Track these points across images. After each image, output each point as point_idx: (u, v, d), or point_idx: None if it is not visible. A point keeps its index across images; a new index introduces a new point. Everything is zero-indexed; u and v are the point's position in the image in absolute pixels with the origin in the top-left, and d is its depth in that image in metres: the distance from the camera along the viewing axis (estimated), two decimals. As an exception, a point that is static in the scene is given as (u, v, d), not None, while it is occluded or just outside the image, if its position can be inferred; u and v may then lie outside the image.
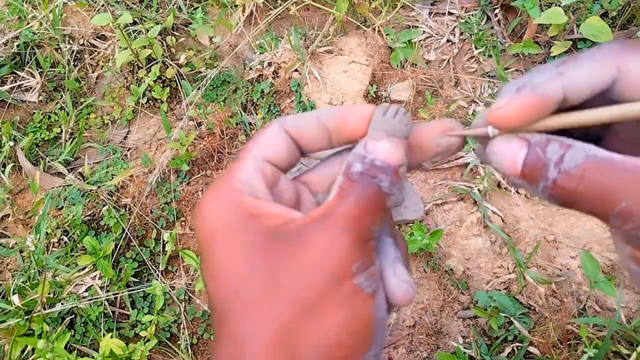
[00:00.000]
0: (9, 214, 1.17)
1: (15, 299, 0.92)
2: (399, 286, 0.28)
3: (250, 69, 1.30)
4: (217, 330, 0.27)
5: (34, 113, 1.33)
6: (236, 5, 1.38)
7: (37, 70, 1.36)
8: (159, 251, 1.08)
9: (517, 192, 1.07)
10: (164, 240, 1.07)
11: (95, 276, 1.04)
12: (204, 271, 0.28)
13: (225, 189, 0.28)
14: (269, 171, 0.29)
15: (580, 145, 0.25)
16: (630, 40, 0.35)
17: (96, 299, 1.00)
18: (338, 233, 0.26)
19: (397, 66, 1.28)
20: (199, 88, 1.25)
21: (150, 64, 1.29)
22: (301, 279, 0.26)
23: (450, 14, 1.38)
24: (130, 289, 1.03)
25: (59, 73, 1.36)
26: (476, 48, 1.30)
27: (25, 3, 1.44)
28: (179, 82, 1.30)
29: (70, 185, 1.16)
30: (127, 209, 1.11)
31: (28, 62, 1.37)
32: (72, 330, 1.00)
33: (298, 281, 0.26)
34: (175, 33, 1.40)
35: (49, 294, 0.97)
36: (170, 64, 1.29)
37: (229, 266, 0.27)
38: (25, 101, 1.35)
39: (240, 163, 0.29)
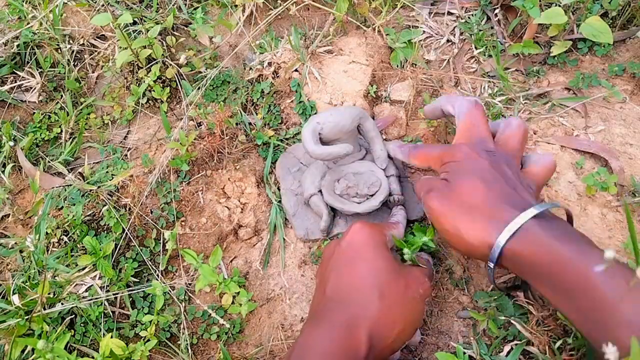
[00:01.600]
0: (9, 214, 1.17)
1: (15, 299, 0.92)
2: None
3: (250, 69, 1.30)
4: (339, 281, 0.67)
5: (34, 113, 1.33)
6: (236, 5, 1.38)
7: (37, 70, 1.36)
8: (159, 251, 1.08)
9: (517, 192, 1.07)
10: (164, 239, 1.07)
11: (95, 276, 1.04)
12: (360, 257, 0.69)
13: (381, 235, 0.71)
14: (390, 240, 0.73)
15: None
16: None
17: (96, 299, 1.00)
18: (423, 279, 0.70)
19: (397, 66, 1.28)
20: (199, 88, 1.25)
21: (150, 64, 1.29)
22: (407, 291, 0.63)
23: (450, 14, 1.38)
24: (130, 289, 1.03)
25: (59, 73, 1.36)
26: (476, 48, 1.30)
27: (25, 3, 1.44)
28: (179, 82, 1.30)
29: (70, 185, 1.16)
30: (127, 209, 1.11)
31: (28, 62, 1.37)
32: (72, 330, 1.00)
33: (405, 292, 0.64)
34: (175, 33, 1.40)
35: (49, 294, 0.97)
36: (170, 64, 1.29)
37: (378, 264, 0.66)
38: (25, 101, 1.35)
39: (387, 229, 0.77)
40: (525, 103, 1.18)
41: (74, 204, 1.13)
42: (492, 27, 1.33)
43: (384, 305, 0.59)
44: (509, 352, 0.90)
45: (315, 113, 1.19)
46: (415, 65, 1.26)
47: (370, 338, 0.56)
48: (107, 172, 1.19)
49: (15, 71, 1.37)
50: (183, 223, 1.10)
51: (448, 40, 1.34)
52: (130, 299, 1.04)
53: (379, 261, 0.62)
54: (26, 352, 0.95)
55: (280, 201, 1.11)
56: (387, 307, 0.59)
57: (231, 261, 1.07)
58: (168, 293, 1.03)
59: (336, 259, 0.68)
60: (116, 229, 1.07)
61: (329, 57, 1.27)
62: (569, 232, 0.62)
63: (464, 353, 0.89)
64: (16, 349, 0.90)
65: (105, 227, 1.11)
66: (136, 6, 1.43)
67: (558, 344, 0.85)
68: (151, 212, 1.11)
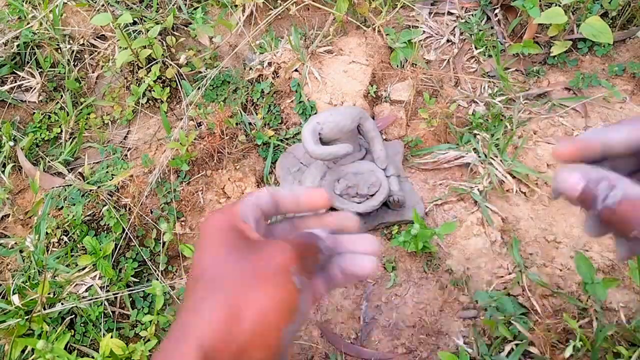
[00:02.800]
0: (9, 214, 1.17)
1: (15, 299, 0.92)
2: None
3: (250, 69, 1.30)
4: (186, 294, 0.43)
5: (34, 113, 1.33)
6: (236, 5, 1.38)
7: (37, 70, 1.36)
8: (159, 251, 1.08)
9: (517, 192, 1.07)
10: (163, 233, 1.06)
11: (95, 276, 1.04)
12: (194, 257, 0.45)
13: (228, 210, 0.47)
14: (258, 212, 0.48)
15: (621, 184, 0.39)
16: None
17: (96, 299, 1.00)
18: (286, 247, 0.43)
19: (397, 66, 1.28)
20: (199, 88, 1.25)
21: (150, 64, 1.29)
22: (258, 268, 0.41)
23: (450, 14, 1.38)
24: (130, 289, 1.03)
25: (59, 73, 1.36)
26: (476, 48, 1.30)
27: (25, 3, 1.44)
28: (179, 82, 1.30)
29: (70, 185, 1.16)
30: (127, 209, 1.11)
31: (28, 62, 1.37)
32: (72, 330, 1.00)
33: (256, 269, 0.41)
34: (175, 33, 1.40)
35: (49, 294, 0.97)
36: (170, 64, 1.29)
37: (212, 252, 0.44)
38: (25, 101, 1.35)
39: (242, 202, 0.48)
40: (525, 103, 1.18)
41: (74, 204, 1.12)
42: (492, 27, 1.33)
43: (219, 298, 0.41)
44: (509, 352, 0.90)
45: (315, 113, 1.19)
46: (415, 65, 1.26)
47: (201, 348, 0.39)
48: (107, 172, 1.19)
49: (15, 71, 1.37)
50: (183, 223, 1.10)
51: (448, 40, 1.34)
52: (130, 299, 1.04)
53: (213, 246, 0.46)
54: (26, 352, 0.94)
55: (280, 201, 1.11)
56: (225, 298, 0.41)
57: (231, 261, 1.07)
58: (168, 293, 1.03)
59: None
60: (116, 229, 1.07)
61: (329, 57, 1.27)
62: None
63: (465, 353, 0.89)
64: (16, 349, 0.90)
65: (105, 227, 1.11)
66: (136, 6, 1.43)
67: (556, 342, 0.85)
68: (151, 212, 1.11)
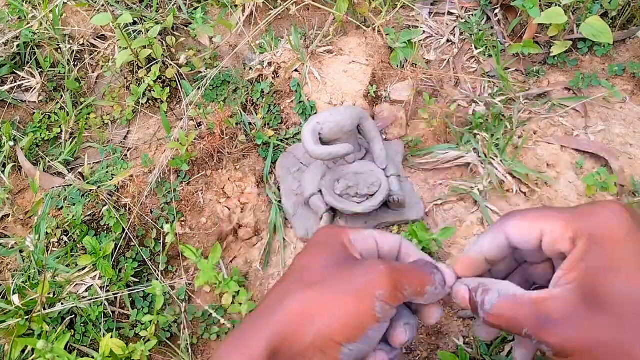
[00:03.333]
0: (9, 214, 1.17)
1: (15, 299, 0.92)
2: (398, 333, 0.49)
3: (250, 69, 1.30)
4: (277, 283, 0.50)
5: (34, 113, 1.33)
6: (236, 5, 1.38)
7: (37, 70, 1.36)
8: (159, 251, 1.08)
9: (517, 192, 1.07)
10: (164, 238, 1.07)
11: (95, 276, 1.04)
12: (297, 256, 0.52)
13: (342, 229, 0.52)
14: (370, 247, 0.54)
15: (495, 287, 0.45)
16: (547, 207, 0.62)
17: (96, 299, 1.00)
18: (381, 269, 0.45)
19: (397, 66, 1.28)
20: (199, 88, 1.25)
21: (150, 64, 1.29)
22: (346, 279, 0.45)
23: (450, 14, 1.38)
24: (130, 289, 1.03)
25: (59, 73, 1.36)
26: (476, 48, 1.30)
27: (25, 3, 1.44)
28: (179, 82, 1.30)
29: (70, 185, 1.16)
30: (127, 209, 1.11)
31: (28, 62, 1.37)
32: (72, 330, 1.00)
33: (344, 279, 0.45)
34: (175, 33, 1.40)
35: (49, 294, 0.97)
36: (170, 64, 1.29)
37: (315, 255, 0.49)
38: (25, 101, 1.35)
39: (358, 231, 0.54)
40: (525, 103, 1.18)
41: (74, 204, 1.12)
42: (492, 27, 1.33)
43: (303, 296, 0.43)
44: (509, 352, 0.90)
45: (315, 113, 1.19)
46: (415, 65, 1.26)
47: (272, 342, 0.41)
48: (107, 172, 1.19)
49: (15, 71, 1.37)
50: (183, 223, 1.10)
51: (448, 40, 1.34)
52: (130, 299, 1.04)
53: (318, 252, 0.49)
54: (26, 352, 0.94)
55: (280, 201, 1.11)
56: (308, 297, 0.43)
57: (231, 261, 1.07)
58: (168, 293, 1.03)
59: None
60: (116, 229, 1.07)
61: (329, 57, 1.27)
62: None
63: (465, 353, 0.89)
64: (16, 349, 0.90)
65: (105, 227, 1.11)
66: (136, 6, 1.43)
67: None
68: (151, 212, 1.11)
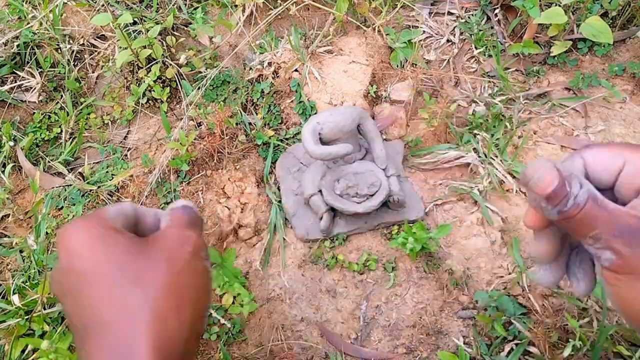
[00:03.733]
0: (9, 214, 1.17)
1: (15, 299, 0.92)
2: None
3: (250, 69, 1.30)
4: (89, 322, 0.39)
5: (34, 113, 1.33)
6: (236, 5, 1.38)
7: (37, 70, 1.36)
8: (159, 251, 1.08)
9: (517, 192, 1.07)
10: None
11: (95, 276, 1.04)
12: (74, 275, 0.40)
13: (92, 217, 0.42)
14: (123, 220, 0.44)
15: (587, 186, 0.38)
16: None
17: (96, 299, 1.00)
18: (188, 231, 0.44)
19: (397, 66, 1.28)
20: (199, 88, 1.25)
21: (150, 64, 1.29)
22: (167, 259, 0.40)
23: (450, 14, 1.38)
24: (130, 289, 1.03)
25: (59, 73, 1.36)
26: (476, 48, 1.30)
27: (25, 3, 1.44)
28: (179, 82, 1.30)
29: (70, 185, 1.16)
30: (127, 209, 1.11)
31: (28, 62, 1.37)
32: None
33: (166, 262, 0.40)
34: (175, 33, 1.40)
35: (49, 294, 0.97)
36: (170, 64, 1.29)
37: (98, 258, 0.39)
38: (25, 101, 1.35)
39: (108, 209, 0.43)
40: (525, 103, 1.18)
41: (74, 204, 1.12)
42: (492, 27, 1.33)
43: (149, 299, 0.37)
44: (509, 352, 0.90)
45: (315, 113, 1.19)
46: (415, 65, 1.26)
47: (156, 349, 0.36)
48: (107, 172, 1.19)
49: (15, 71, 1.37)
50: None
51: (448, 40, 1.34)
52: (130, 299, 1.04)
53: (108, 253, 0.39)
54: (26, 352, 0.94)
55: (280, 201, 1.11)
56: (155, 299, 0.38)
57: (231, 261, 1.07)
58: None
59: (61, 285, 0.42)
60: (116, 229, 1.07)
61: (329, 57, 1.27)
62: None
63: (465, 352, 0.89)
64: (16, 349, 0.90)
65: (105, 227, 1.10)
66: (136, 6, 1.43)
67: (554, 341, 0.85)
68: (151, 212, 1.11)
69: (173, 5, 1.41)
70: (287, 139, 1.20)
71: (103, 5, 1.38)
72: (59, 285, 0.41)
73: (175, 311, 0.38)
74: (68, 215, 1.10)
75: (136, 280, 0.38)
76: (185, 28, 1.42)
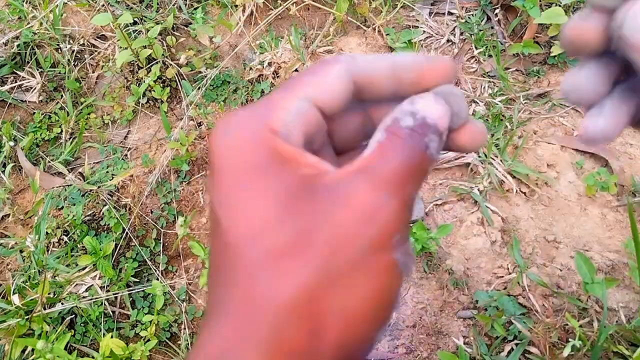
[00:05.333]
0: (9, 214, 1.17)
1: (15, 299, 0.92)
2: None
3: (251, 69, 1.30)
4: (224, 282, 0.24)
5: (34, 113, 1.33)
6: (236, 5, 1.38)
7: (37, 70, 1.36)
8: (159, 251, 1.08)
9: (517, 192, 1.07)
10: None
11: (95, 276, 1.04)
12: (221, 214, 0.24)
13: (262, 126, 0.25)
14: (314, 119, 0.26)
15: None
16: None
17: (96, 299, 1.00)
18: (384, 195, 0.23)
19: (397, 66, 1.28)
20: (199, 88, 1.25)
21: (151, 64, 1.29)
22: (337, 240, 0.23)
23: (450, 14, 1.38)
24: (130, 288, 1.03)
25: (59, 73, 1.36)
26: (476, 48, 1.30)
27: (26, 3, 1.44)
28: (179, 82, 1.30)
29: (70, 185, 1.16)
30: (127, 209, 1.11)
31: (28, 62, 1.37)
32: (72, 330, 1.00)
33: (333, 242, 0.23)
34: (175, 33, 1.40)
35: (49, 294, 0.97)
36: (171, 64, 1.29)
37: (255, 207, 0.23)
38: (26, 101, 1.35)
39: (288, 99, 0.25)
40: (525, 103, 1.18)
41: (74, 204, 1.13)
42: (492, 27, 1.33)
43: (285, 297, 0.23)
44: (509, 352, 0.90)
45: (316, 113, 1.19)
46: (416, 65, 1.26)
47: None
48: (107, 172, 1.19)
49: (16, 71, 1.37)
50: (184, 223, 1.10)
51: (448, 40, 1.34)
52: (131, 298, 1.04)
53: (247, 190, 0.24)
54: (26, 352, 0.95)
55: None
56: (295, 298, 0.23)
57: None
58: (168, 293, 1.03)
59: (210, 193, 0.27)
60: (116, 229, 1.07)
61: (329, 57, 1.27)
62: None
63: (465, 352, 0.89)
64: (16, 349, 0.90)
65: (106, 227, 1.11)
66: (136, 6, 1.43)
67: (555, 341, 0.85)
68: (151, 212, 1.11)
69: (173, 5, 1.41)
70: (287, 139, 1.20)
71: (103, 5, 1.38)
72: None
73: (316, 332, 0.23)
74: (68, 215, 1.10)
75: (280, 258, 0.23)
76: (186, 28, 1.42)
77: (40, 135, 1.29)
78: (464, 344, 0.92)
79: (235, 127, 0.25)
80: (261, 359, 0.23)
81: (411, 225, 1.01)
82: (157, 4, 1.42)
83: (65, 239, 1.11)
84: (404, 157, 0.23)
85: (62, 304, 0.98)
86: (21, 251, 1.11)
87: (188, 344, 0.98)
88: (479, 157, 1.11)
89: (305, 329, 0.23)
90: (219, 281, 0.25)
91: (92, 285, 1.03)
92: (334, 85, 0.26)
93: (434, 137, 0.24)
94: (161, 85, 1.29)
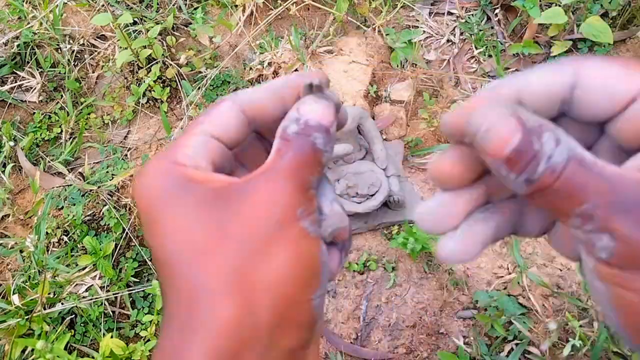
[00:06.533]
0: (9, 214, 1.17)
1: (15, 299, 0.92)
2: (333, 214, 0.30)
3: (251, 69, 1.30)
4: (167, 290, 0.28)
5: (34, 113, 1.33)
6: (236, 5, 1.38)
7: (37, 70, 1.36)
8: (159, 251, 1.08)
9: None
10: None
11: (95, 276, 1.04)
12: (149, 237, 0.28)
13: (169, 160, 0.29)
14: (216, 149, 0.30)
15: (565, 139, 0.24)
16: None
17: (96, 299, 1.00)
18: (281, 183, 0.27)
19: (397, 66, 1.28)
20: (199, 88, 1.25)
21: (151, 64, 1.29)
22: (248, 226, 0.27)
23: (450, 14, 1.38)
24: (130, 288, 1.03)
25: (59, 73, 1.36)
26: (476, 48, 1.30)
27: (26, 3, 1.44)
28: (179, 82, 1.30)
29: (70, 185, 1.16)
30: (128, 208, 1.11)
31: (28, 62, 1.37)
32: (72, 330, 1.00)
33: (245, 228, 0.27)
34: (175, 33, 1.40)
35: (49, 294, 0.97)
36: (171, 64, 1.29)
37: (173, 223, 0.27)
38: (26, 101, 1.35)
39: (188, 137, 0.29)
40: (525, 103, 1.18)
41: (74, 204, 1.12)
42: (492, 27, 1.33)
43: (213, 285, 0.27)
44: (509, 352, 0.90)
45: (316, 113, 1.19)
46: (416, 65, 1.26)
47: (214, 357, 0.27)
48: (107, 172, 1.19)
49: (16, 71, 1.37)
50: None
51: (448, 40, 1.34)
52: (131, 298, 1.04)
53: (169, 216, 0.28)
54: (26, 352, 0.94)
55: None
56: (221, 283, 0.27)
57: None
58: (168, 293, 1.03)
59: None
60: (116, 228, 1.07)
61: (329, 57, 1.27)
62: None
63: (465, 352, 0.89)
64: (16, 349, 0.90)
65: (106, 227, 1.11)
66: (136, 6, 1.43)
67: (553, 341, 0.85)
68: (151, 212, 1.11)
69: (173, 5, 1.41)
70: (287, 139, 1.20)
71: (103, 5, 1.38)
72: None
73: (246, 306, 0.26)
74: (68, 215, 1.10)
75: (205, 255, 0.27)
76: (185, 28, 1.42)
77: (40, 135, 1.29)
78: (464, 344, 0.92)
79: (148, 170, 0.29)
80: (204, 342, 0.26)
81: (411, 225, 1.01)
82: (157, 4, 1.42)
83: (65, 239, 1.11)
84: (294, 154, 0.28)
85: (62, 304, 0.98)
86: (21, 251, 1.11)
87: (188, 344, 0.98)
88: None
89: (238, 303, 0.26)
90: (166, 299, 0.28)
91: (92, 285, 1.03)
92: (224, 118, 0.30)
93: (319, 134, 0.28)
94: (161, 85, 1.29)
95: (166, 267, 0.28)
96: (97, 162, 1.25)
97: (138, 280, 1.06)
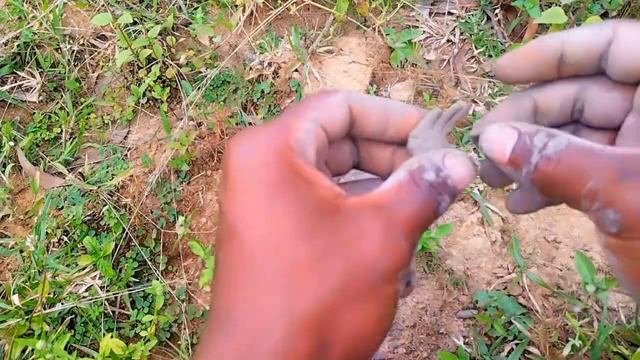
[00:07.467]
0: (9, 214, 1.17)
1: (15, 299, 0.92)
2: (414, 271, 0.30)
3: (250, 69, 1.30)
4: (234, 282, 0.25)
5: (34, 113, 1.33)
6: (236, 5, 1.38)
7: (37, 70, 1.36)
8: (159, 251, 1.08)
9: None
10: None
11: (95, 276, 1.04)
12: (229, 212, 0.26)
13: (280, 143, 0.26)
14: (322, 139, 0.28)
15: (565, 135, 0.26)
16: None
17: (96, 299, 1.00)
18: (398, 237, 0.25)
19: (397, 66, 1.28)
20: (199, 88, 1.25)
21: (151, 64, 1.29)
22: (352, 267, 0.25)
23: (450, 14, 1.38)
24: (130, 289, 1.03)
25: (59, 73, 1.36)
26: (476, 48, 1.30)
27: (26, 3, 1.44)
28: (179, 82, 1.30)
29: (70, 185, 1.16)
30: (127, 209, 1.11)
31: (28, 62, 1.37)
32: (72, 330, 1.00)
33: (347, 269, 0.25)
34: (175, 33, 1.40)
35: (49, 294, 0.97)
36: (171, 64, 1.29)
37: (275, 221, 0.25)
38: (25, 101, 1.35)
39: (300, 121, 0.27)
40: (525, 103, 1.18)
41: (74, 204, 1.12)
42: (492, 27, 1.33)
43: (296, 311, 0.24)
44: (509, 352, 0.90)
45: (316, 113, 1.19)
46: (415, 65, 1.26)
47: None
48: (107, 172, 1.19)
49: (16, 71, 1.37)
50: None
51: (448, 40, 1.34)
52: (130, 298, 1.04)
53: (261, 204, 0.25)
54: (26, 352, 0.95)
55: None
56: (305, 313, 0.25)
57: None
58: (168, 293, 1.03)
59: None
60: (116, 229, 1.07)
61: (329, 57, 1.27)
62: None
63: (465, 352, 0.89)
64: (16, 349, 0.90)
65: (106, 227, 1.11)
66: (136, 6, 1.43)
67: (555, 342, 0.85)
68: (151, 212, 1.11)
69: (173, 5, 1.41)
70: (287, 139, 1.20)
71: (103, 5, 1.38)
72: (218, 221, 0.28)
73: (324, 347, 0.24)
74: (68, 215, 1.10)
75: (292, 273, 0.24)
76: (185, 28, 1.42)
77: (40, 135, 1.29)
78: (464, 344, 0.92)
79: (253, 142, 0.26)
80: None
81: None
82: (157, 4, 1.42)
83: (65, 239, 1.11)
84: (418, 207, 0.26)
85: (62, 304, 0.98)
86: (21, 251, 1.11)
87: (188, 344, 0.98)
88: (479, 157, 1.11)
89: (315, 344, 0.24)
90: (229, 289, 0.25)
91: (92, 285, 1.03)
92: (336, 110, 0.28)
93: (447, 197, 0.26)
94: (161, 85, 1.29)
95: (248, 272, 0.25)
96: (97, 162, 1.25)
97: (138, 280, 1.06)
